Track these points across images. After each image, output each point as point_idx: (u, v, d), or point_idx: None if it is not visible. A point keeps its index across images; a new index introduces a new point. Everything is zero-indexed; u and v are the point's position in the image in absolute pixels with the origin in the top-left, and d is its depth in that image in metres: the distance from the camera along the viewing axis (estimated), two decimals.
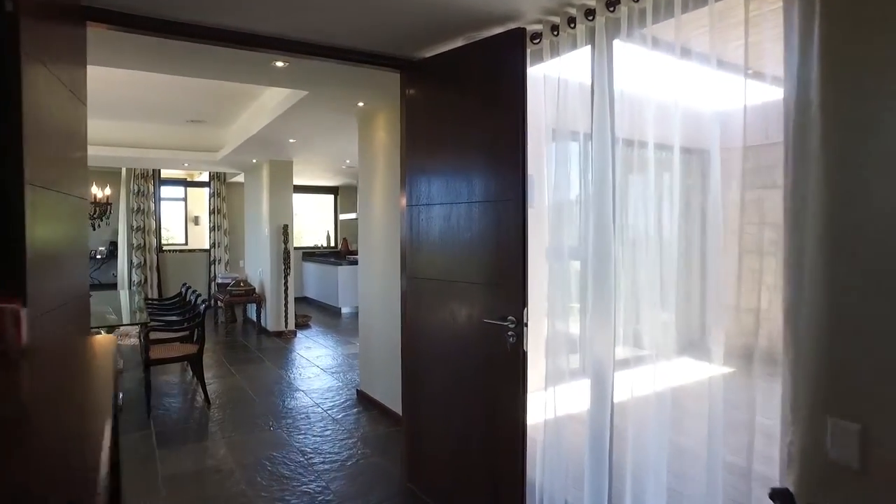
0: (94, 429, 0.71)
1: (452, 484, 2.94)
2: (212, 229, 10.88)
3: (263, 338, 8.08)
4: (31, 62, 1.64)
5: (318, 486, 3.34)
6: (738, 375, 2.13)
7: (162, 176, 10.61)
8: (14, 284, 1.52)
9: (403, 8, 2.49)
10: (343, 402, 4.99)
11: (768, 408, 1.94)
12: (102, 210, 5.89)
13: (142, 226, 10.09)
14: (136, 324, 5.17)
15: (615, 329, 2.47)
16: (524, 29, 2.55)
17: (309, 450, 3.90)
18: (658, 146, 2.31)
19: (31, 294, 1.57)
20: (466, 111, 2.82)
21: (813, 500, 1.53)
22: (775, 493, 1.43)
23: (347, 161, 8.40)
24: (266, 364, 6.49)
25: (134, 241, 10.00)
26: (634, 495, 2.41)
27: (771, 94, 1.98)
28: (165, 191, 10.91)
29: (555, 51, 2.61)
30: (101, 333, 4.93)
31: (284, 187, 8.31)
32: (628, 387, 2.44)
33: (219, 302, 9.09)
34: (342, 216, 12.84)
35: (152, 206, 10.26)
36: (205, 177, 10.96)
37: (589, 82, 2.50)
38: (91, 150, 7.17)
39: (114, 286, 9.88)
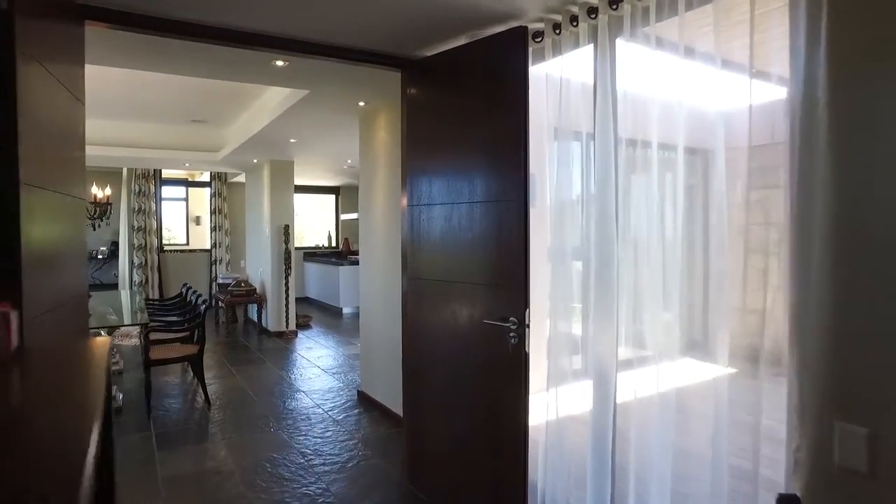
0: (80, 431, 0.69)
1: (453, 485, 2.92)
2: (213, 229, 10.87)
3: (264, 338, 8.06)
4: (27, 61, 1.62)
5: (318, 489, 3.32)
6: (743, 376, 2.11)
7: (163, 176, 10.60)
8: (9, 285, 1.50)
9: (404, 6, 2.46)
10: (344, 403, 4.97)
11: (774, 409, 1.92)
12: (103, 210, 5.88)
13: (143, 226, 10.08)
14: (136, 324, 5.16)
15: (618, 330, 2.45)
16: (526, 27, 2.53)
17: (309, 451, 3.87)
18: (661, 146, 2.29)
19: (26, 295, 1.55)
20: (468, 110, 2.80)
21: None
22: (783, 500, 1.40)
23: (349, 161, 8.39)
24: (267, 365, 6.47)
25: (135, 241, 9.99)
26: (638, 497, 2.39)
27: (776, 93, 1.96)
28: (167, 191, 10.91)
29: (557, 49, 2.58)
30: (101, 334, 4.93)
31: (285, 187, 8.30)
32: (631, 388, 2.42)
33: (220, 302, 9.07)
34: (343, 216, 12.82)
35: (153, 206, 10.25)
36: (206, 177, 10.94)
37: (591, 81, 2.48)
38: (92, 150, 7.18)
39: (115, 286, 9.88)
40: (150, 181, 10.19)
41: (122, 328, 6.79)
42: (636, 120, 2.37)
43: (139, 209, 10.06)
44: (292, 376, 5.96)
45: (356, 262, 7.88)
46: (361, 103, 4.62)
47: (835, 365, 1.49)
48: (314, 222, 12.95)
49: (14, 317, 1.32)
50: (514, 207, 2.52)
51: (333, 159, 8.53)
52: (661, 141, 2.28)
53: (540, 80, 2.67)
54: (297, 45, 2.87)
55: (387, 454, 3.83)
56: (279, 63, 3.36)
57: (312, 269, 11.61)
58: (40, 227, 1.72)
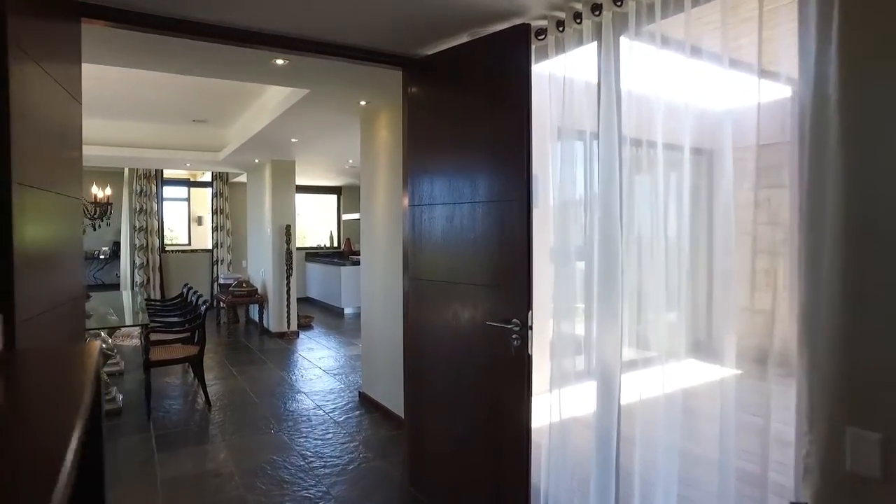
0: (58, 436, 0.66)
1: (455, 488, 2.89)
2: (214, 229, 10.85)
3: (265, 339, 8.04)
4: (20, 59, 1.59)
5: (318, 491, 3.29)
6: (750, 378, 2.07)
7: (165, 176, 10.59)
8: (0, 287, 1.47)
9: (405, 3, 2.43)
10: (345, 405, 4.94)
11: (782, 412, 1.88)
12: (103, 210, 5.85)
13: (144, 226, 10.06)
14: (136, 325, 5.14)
15: (622, 330, 2.41)
16: (529, 25, 2.49)
17: (310, 453, 3.84)
18: (666, 145, 2.25)
19: (18, 296, 1.52)
20: (470, 109, 2.77)
21: None
22: None
23: (350, 161, 8.36)
24: (268, 365, 6.45)
25: (136, 241, 9.97)
26: (643, 501, 2.35)
27: (784, 91, 1.92)
28: (169, 191, 10.90)
29: (560, 47, 2.55)
30: (101, 335, 4.91)
31: (287, 187, 8.27)
32: (636, 389, 2.39)
33: (221, 302, 9.06)
34: (345, 216, 12.80)
35: (155, 206, 10.24)
36: (207, 177, 10.93)
37: (595, 79, 2.44)
38: (93, 150, 7.17)
39: (117, 286, 9.86)
40: (151, 181, 10.17)
41: (123, 328, 6.78)
42: (640, 119, 2.34)
43: (141, 209, 10.05)
44: (293, 377, 5.93)
45: (358, 263, 7.86)
46: (362, 102, 4.59)
47: (846, 367, 1.46)
48: (316, 222, 12.93)
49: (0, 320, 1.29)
50: (517, 207, 2.49)
51: (335, 159, 8.50)
52: (665, 140, 2.24)
53: (543, 78, 2.63)
54: (297, 43, 2.84)
55: (388, 456, 3.79)
56: (279, 62, 3.33)
57: (314, 269, 11.59)
58: (34, 227, 1.69)
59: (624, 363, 2.44)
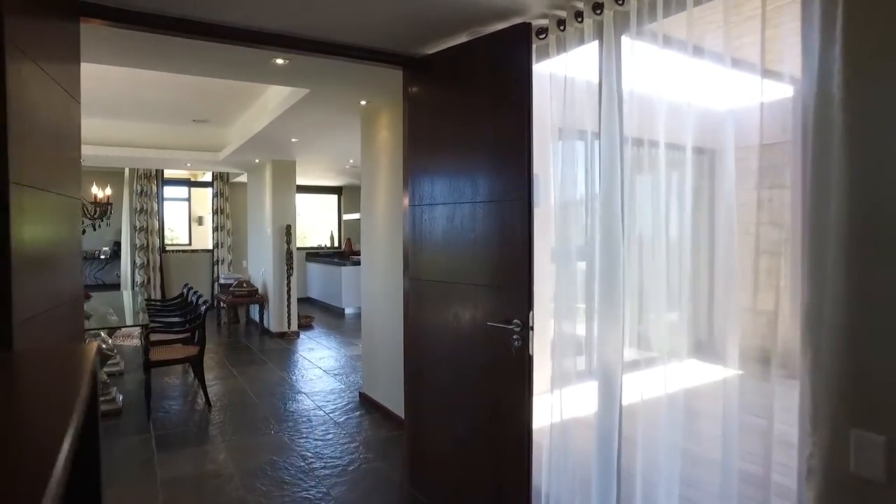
0: (49, 437, 0.65)
1: (455, 489, 2.88)
2: (215, 229, 10.85)
3: (266, 339, 8.03)
4: (18, 58, 1.58)
5: (318, 493, 3.28)
6: (753, 379, 2.06)
7: (166, 176, 10.59)
8: None
9: (405, 2, 2.42)
10: (345, 405, 4.93)
11: (784, 413, 1.87)
12: (103, 210, 5.85)
13: (145, 226, 10.06)
14: (136, 325, 5.13)
15: (624, 331, 2.40)
16: (529, 24, 2.48)
17: (310, 454, 3.83)
18: (668, 145, 2.24)
19: (16, 297, 1.51)
20: (470, 108, 2.75)
21: None
22: None
23: (351, 161, 8.35)
24: (268, 366, 6.44)
25: (137, 241, 9.97)
26: (644, 502, 2.34)
27: (787, 90, 1.91)
28: (169, 191, 10.89)
29: (561, 46, 2.53)
30: (100, 335, 4.90)
31: (287, 187, 8.26)
32: (638, 389, 2.37)
33: (221, 303, 9.05)
34: (346, 216, 12.79)
35: (155, 206, 10.23)
36: (208, 177, 10.92)
37: (596, 79, 2.43)
38: (94, 150, 7.17)
39: (118, 286, 9.86)
40: (152, 181, 10.17)
41: (124, 329, 6.77)
42: (642, 118, 2.32)
43: (141, 209, 10.04)
44: (294, 378, 5.92)
45: (358, 263, 7.84)
46: (363, 102, 4.58)
47: (850, 368, 1.44)
48: (316, 222, 12.92)
49: None
50: (518, 207, 2.48)
51: (335, 159, 8.49)
52: (667, 140, 2.23)
53: (544, 77, 2.62)
54: (297, 42, 2.83)
55: (388, 457, 3.78)
56: (279, 61, 3.32)
57: (315, 269, 11.58)
58: (32, 227, 1.68)
59: (625, 363, 2.43)
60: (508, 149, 2.53)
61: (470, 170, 2.73)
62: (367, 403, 4.92)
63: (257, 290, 8.78)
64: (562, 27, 2.49)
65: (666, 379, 2.24)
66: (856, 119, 1.43)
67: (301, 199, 10.03)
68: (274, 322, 8.24)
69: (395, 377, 3.89)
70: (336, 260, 10.96)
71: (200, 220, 11.38)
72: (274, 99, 5.27)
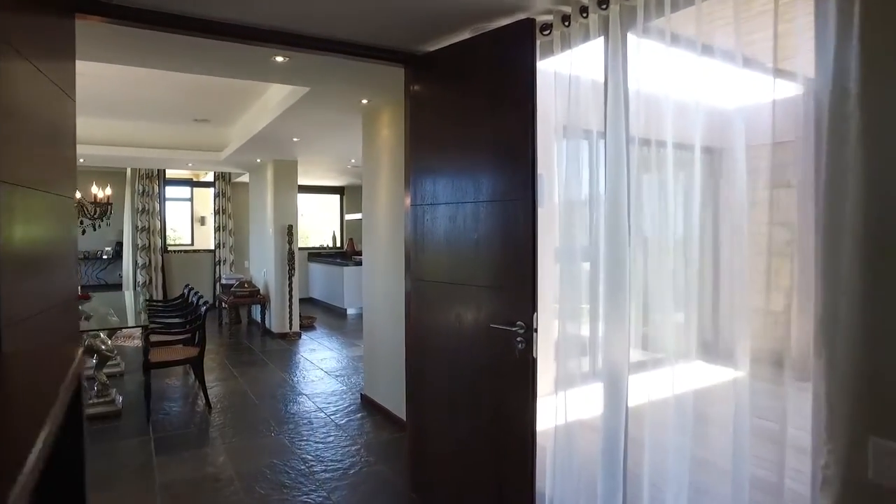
0: (20, 440, 0.62)
1: (458, 493, 2.83)
2: (217, 229, 10.81)
3: (267, 339, 7.99)
4: (9, 55, 1.53)
5: (318, 497, 3.23)
6: (763, 381, 2.01)
7: (168, 176, 10.56)
8: None
9: None
10: (347, 407, 4.88)
11: (796, 416, 1.82)
12: (103, 210, 5.81)
13: (146, 226, 10.03)
14: (135, 326, 5.09)
15: (630, 332, 2.35)
16: (533, 19, 2.43)
17: (311, 457, 3.79)
18: (675, 144, 2.19)
19: (5, 300, 1.46)
20: (473, 106, 2.71)
21: None
22: None
23: (352, 160, 8.30)
24: (269, 367, 6.39)
25: (139, 241, 9.94)
26: None
27: (799, 88, 1.85)
28: (172, 191, 10.87)
29: (566, 43, 2.48)
30: (99, 336, 4.86)
31: (289, 187, 8.23)
32: (644, 391, 2.33)
33: (223, 303, 9.01)
34: (348, 216, 12.75)
35: (157, 206, 10.20)
36: (210, 177, 10.90)
37: (602, 76, 2.38)
38: (95, 150, 7.14)
39: (120, 287, 9.84)
40: (153, 181, 10.14)
41: (125, 329, 6.73)
42: (649, 115, 2.27)
43: (143, 209, 10.02)
44: (295, 379, 5.88)
45: (360, 263, 7.80)
46: (364, 101, 4.53)
47: (868, 373, 1.39)
48: (319, 222, 12.89)
49: None
50: (522, 207, 2.43)
51: (337, 159, 8.45)
52: (675, 138, 2.18)
53: (548, 75, 2.57)
54: (297, 39, 2.78)
55: (389, 460, 3.73)
56: (279, 59, 3.27)
57: (317, 269, 11.55)
58: (23, 227, 1.64)
59: (632, 364, 2.39)
60: (512, 147, 2.48)
61: (472, 169, 2.68)
62: (368, 405, 4.88)
63: (259, 290, 8.75)
64: (566, 23, 2.44)
65: (674, 380, 2.20)
66: (873, 116, 1.38)
67: (303, 199, 9.99)
68: (275, 323, 8.20)
69: (397, 379, 3.84)
70: (338, 260, 10.92)
71: (203, 221, 11.35)
72: (274, 98, 5.23)
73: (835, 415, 1.47)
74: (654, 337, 2.38)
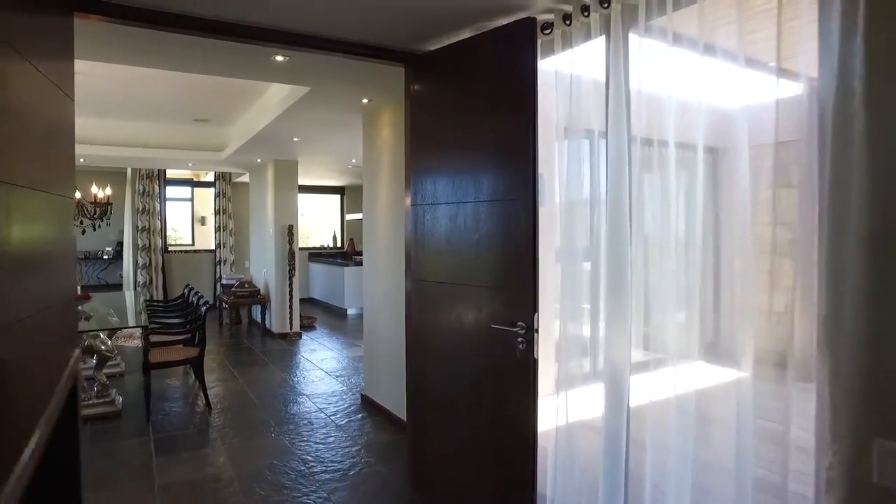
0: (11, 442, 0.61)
1: (458, 494, 2.82)
2: (217, 230, 10.81)
3: (268, 340, 7.98)
4: (6, 54, 1.52)
5: (318, 497, 3.22)
6: (766, 382, 1.99)
7: (169, 176, 10.56)
8: None
9: None
10: (347, 408, 4.87)
11: (798, 417, 1.80)
12: (103, 210, 5.80)
13: (147, 226, 10.02)
14: (134, 327, 5.08)
15: (631, 332, 2.34)
16: (534, 18, 2.42)
17: (311, 458, 3.77)
18: (677, 144, 2.18)
19: (1, 300, 1.45)
20: (473, 106, 2.69)
21: None
22: None
23: (353, 160, 8.29)
24: (270, 367, 6.38)
25: (139, 241, 9.93)
26: None
27: (803, 86, 1.84)
28: (172, 191, 10.87)
29: (567, 42, 2.47)
30: (99, 336, 4.85)
31: (289, 187, 8.22)
32: (646, 392, 2.31)
33: (223, 303, 9.00)
34: (348, 216, 12.74)
35: (157, 206, 10.20)
36: (211, 177, 10.89)
37: (603, 75, 2.36)
38: (95, 150, 7.14)
39: (121, 287, 9.84)
40: (154, 181, 10.13)
41: (125, 329, 6.72)
42: (651, 115, 2.26)
43: (143, 209, 10.01)
44: (295, 379, 5.87)
45: (361, 263, 7.79)
46: (364, 100, 4.52)
47: (873, 374, 1.38)
48: (319, 222, 12.88)
49: None
50: (523, 207, 2.41)
51: (337, 159, 8.44)
52: (677, 138, 2.16)
53: (549, 74, 2.56)
54: (297, 38, 2.77)
55: (390, 461, 3.72)
56: (279, 58, 3.26)
57: (317, 269, 11.54)
58: (19, 227, 1.62)
59: (633, 365, 2.37)
60: (512, 147, 2.47)
61: (473, 168, 2.67)
62: (368, 406, 4.87)
63: (259, 290, 8.74)
64: (567, 22, 2.43)
65: (676, 381, 2.18)
66: (878, 114, 1.36)
67: (304, 199, 9.98)
68: (276, 323, 8.19)
69: (398, 379, 3.83)
70: (339, 260, 10.91)
71: (203, 221, 11.34)
72: (275, 98, 5.22)
73: (839, 416, 1.45)
74: (656, 337, 2.37)
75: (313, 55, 3.03)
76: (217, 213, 10.78)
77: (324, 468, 3.61)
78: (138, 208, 9.97)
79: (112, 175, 9.30)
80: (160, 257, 10.20)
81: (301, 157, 8.00)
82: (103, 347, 4.85)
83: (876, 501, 1.36)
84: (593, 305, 2.52)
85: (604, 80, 2.37)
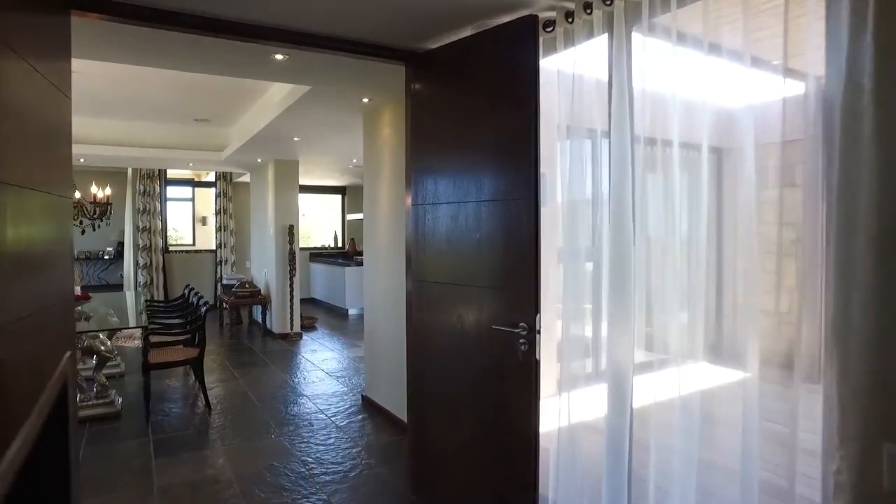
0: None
1: (459, 496, 2.80)
2: (218, 230, 10.79)
3: (268, 340, 7.95)
4: (5, 53, 1.50)
5: (318, 499, 3.19)
6: (771, 384, 1.97)
7: (170, 176, 10.54)
8: None
9: None
10: (348, 409, 4.85)
11: (803, 419, 1.78)
12: (102, 210, 5.78)
13: (147, 226, 10.00)
14: (133, 327, 5.05)
15: (635, 333, 2.32)
16: (536, 16, 2.39)
17: (311, 459, 3.75)
18: (682, 144, 2.15)
19: None
20: (475, 104, 2.67)
21: None
22: None
23: (354, 160, 8.27)
24: (270, 368, 6.36)
25: (140, 241, 9.91)
26: None
27: (809, 84, 1.81)
28: (174, 191, 10.85)
29: (569, 40, 2.44)
30: (98, 336, 4.83)
31: (290, 187, 8.19)
32: (650, 392, 2.29)
33: (224, 303, 8.98)
34: (349, 216, 12.72)
35: (158, 206, 10.18)
36: (212, 177, 10.87)
37: (606, 74, 2.34)
38: (96, 150, 7.12)
39: (122, 287, 9.82)
40: (154, 181, 10.12)
41: (126, 329, 6.70)
42: (654, 114, 2.24)
43: (144, 209, 9.99)
44: (295, 380, 5.84)
45: (362, 263, 7.77)
46: (365, 100, 4.49)
47: (882, 378, 1.35)
48: (321, 222, 12.86)
49: None
50: (525, 206, 2.39)
51: (338, 158, 8.41)
52: (681, 137, 2.14)
53: (551, 73, 2.53)
54: (296, 37, 2.75)
55: (390, 462, 3.69)
56: (278, 57, 3.24)
57: (318, 269, 11.52)
58: (15, 227, 1.60)
59: (636, 365, 2.35)
60: (514, 146, 2.45)
61: (474, 168, 2.65)
62: (369, 407, 4.84)
63: (260, 290, 8.72)
64: (570, 19, 2.40)
65: (680, 382, 2.16)
66: (889, 112, 1.33)
67: (305, 199, 9.96)
68: (276, 323, 8.17)
69: (398, 380, 3.80)
70: (340, 260, 10.89)
71: (204, 221, 11.33)
72: (275, 97, 5.20)
73: (847, 419, 1.43)
74: (660, 338, 2.35)
75: (313, 54, 3.01)
76: (218, 213, 10.76)
77: (324, 470, 3.59)
78: (139, 208, 9.95)
79: (113, 175, 9.28)
80: (161, 257, 10.19)
81: (302, 157, 7.98)
82: (103, 348, 4.83)
83: None
84: (595, 306, 2.50)
85: (606, 78, 2.35)
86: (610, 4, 2.24)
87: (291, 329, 8.11)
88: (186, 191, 11.14)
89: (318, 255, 11.98)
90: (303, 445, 4.00)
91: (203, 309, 4.97)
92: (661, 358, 2.30)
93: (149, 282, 9.92)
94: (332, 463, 3.70)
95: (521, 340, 2.38)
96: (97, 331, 4.72)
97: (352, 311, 9.96)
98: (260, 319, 8.85)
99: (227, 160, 7.96)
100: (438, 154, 2.88)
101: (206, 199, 11.23)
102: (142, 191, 9.97)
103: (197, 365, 4.87)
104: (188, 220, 11.21)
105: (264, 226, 8.63)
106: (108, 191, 5.82)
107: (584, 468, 2.55)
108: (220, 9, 2.48)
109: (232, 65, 3.53)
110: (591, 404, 2.53)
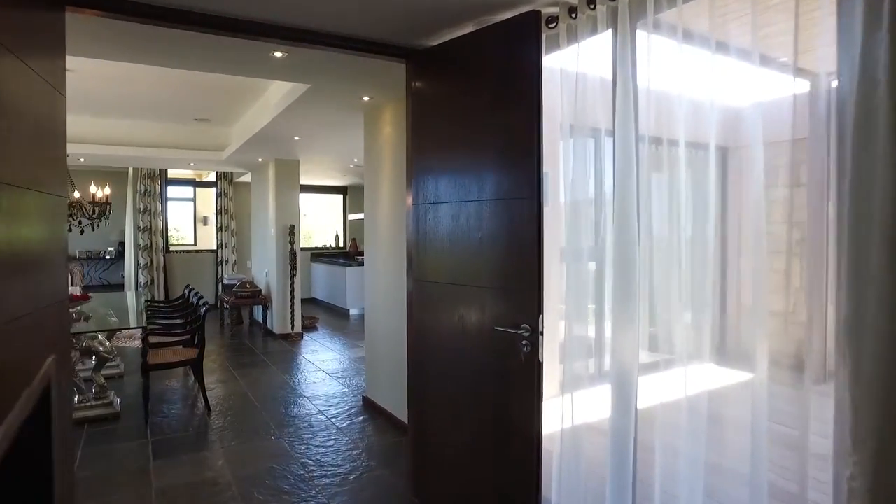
0: None
1: (461, 499, 2.76)
2: (219, 229, 10.76)
3: (269, 340, 7.92)
4: None
5: (318, 502, 3.15)
6: (783, 385, 1.93)
7: (171, 176, 10.51)
8: None
9: None
10: (348, 410, 4.81)
11: (811, 421, 1.74)
12: (102, 210, 5.74)
13: (148, 226, 9.98)
14: (132, 328, 5.02)
15: (639, 333, 2.28)
16: (539, 11, 2.35)
17: (311, 462, 3.71)
18: (688, 143, 2.11)
19: None
20: (477, 102, 2.63)
21: None
22: None
23: (355, 160, 8.23)
24: (270, 368, 6.33)
25: (140, 241, 9.89)
26: None
27: (819, 80, 1.77)
28: (175, 191, 10.82)
29: (572, 36, 2.40)
30: (97, 337, 4.80)
31: (291, 187, 8.16)
32: (655, 393, 2.26)
33: (225, 303, 8.95)
34: (351, 216, 12.69)
35: (159, 206, 10.15)
36: (213, 177, 10.84)
37: (610, 71, 2.30)
38: (97, 150, 7.09)
39: (123, 287, 9.79)
40: (155, 181, 10.09)
41: (126, 329, 6.67)
42: (659, 112, 2.20)
43: (145, 209, 9.96)
44: (296, 381, 5.81)
45: (363, 263, 7.74)
46: (365, 98, 4.45)
47: None
48: (322, 222, 12.82)
49: None
50: (527, 206, 2.35)
51: (339, 158, 8.38)
52: (687, 136, 2.10)
53: (554, 70, 2.49)
54: (296, 33, 2.71)
55: (391, 464, 3.66)
56: (278, 54, 3.20)
57: (319, 269, 11.49)
58: (7, 227, 1.56)
59: (641, 366, 2.31)
60: (516, 144, 2.41)
61: (476, 167, 2.61)
62: (370, 408, 4.81)
63: (261, 290, 8.68)
64: (573, 15, 2.36)
65: (686, 383, 2.13)
66: None
67: (306, 199, 9.92)
68: (277, 323, 8.14)
69: (399, 381, 3.77)
70: (341, 260, 10.85)
71: (205, 221, 11.30)
72: (275, 96, 5.16)
73: (860, 421, 1.39)
74: (665, 338, 2.31)
75: (313, 51, 2.97)
76: (219, 213, 10.73)
77: (324, 472, 3.55)
78: (140, 208, 9.92)
79: (113, 175, 9.26)
80: (162, 257, 10.16)
81: (302, 157, 7.95)
82: (101, 349, 4.80)
83: None
84: (599, 306, 2.47)
85: (610, 76, 2.31)
86: (614, 0, 2.20)
87: (292, 329, 8.08)
88: (188, 190, 11.11)
89: (319, 255, 11.95)
90: (303, 447, 3.96)
91: (203, 309, 4.94)
92: (666, 358, 2.26)
93: (150, 282, 9.89)
94: (332, 465, 3.66)
95: (524, 342, 2.34)
96: (96, 331, 4.69)
97: (353, 312, 9.93)
98: (261, 319, 8.82)
99: (228, 160, 7.93)
100: (440, 153, 2.84)
101: (208, 199, 11.20)
102: (143, 191, 9.95)
103: (196, 366, 4.84)
104: (189, 219, 11.18)
105: (265, 226, 8.60)
106: (107, 190, 5.79)
107: (587, 470, 2.52)
108: (218, 5, 2.45)
109: (230, 62, 3.50)
110: (594, 405, 2.49)
